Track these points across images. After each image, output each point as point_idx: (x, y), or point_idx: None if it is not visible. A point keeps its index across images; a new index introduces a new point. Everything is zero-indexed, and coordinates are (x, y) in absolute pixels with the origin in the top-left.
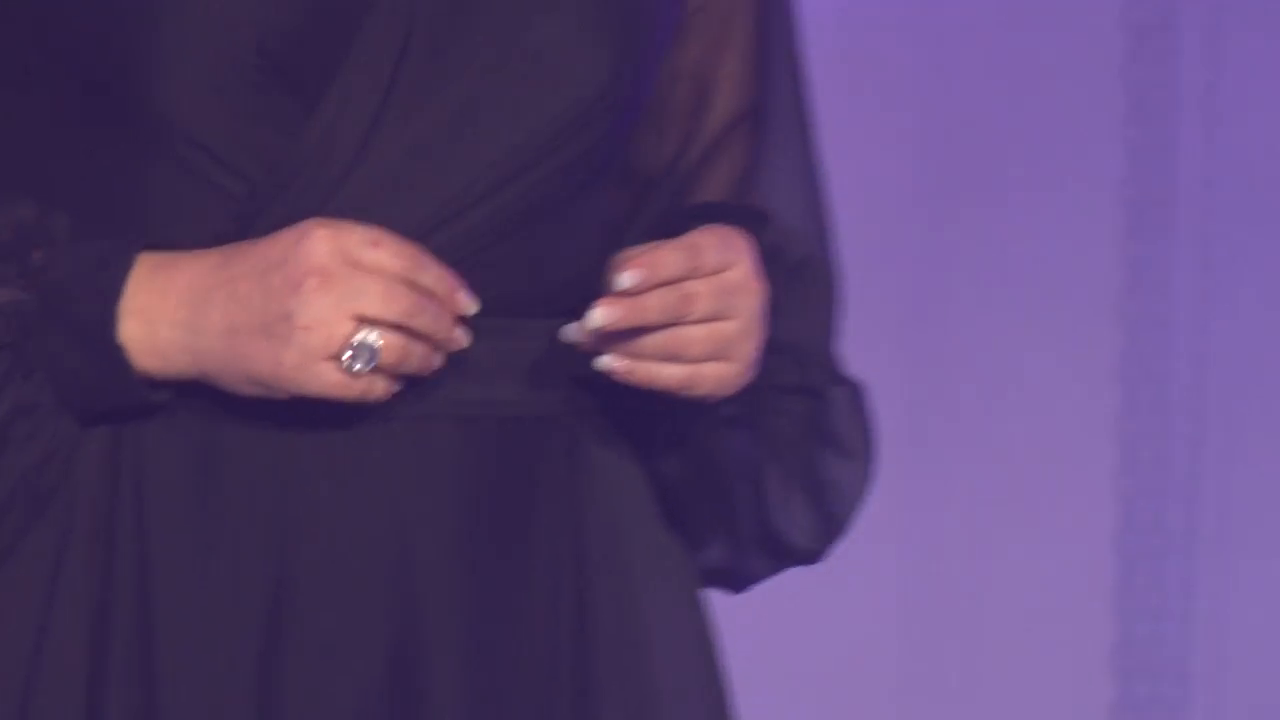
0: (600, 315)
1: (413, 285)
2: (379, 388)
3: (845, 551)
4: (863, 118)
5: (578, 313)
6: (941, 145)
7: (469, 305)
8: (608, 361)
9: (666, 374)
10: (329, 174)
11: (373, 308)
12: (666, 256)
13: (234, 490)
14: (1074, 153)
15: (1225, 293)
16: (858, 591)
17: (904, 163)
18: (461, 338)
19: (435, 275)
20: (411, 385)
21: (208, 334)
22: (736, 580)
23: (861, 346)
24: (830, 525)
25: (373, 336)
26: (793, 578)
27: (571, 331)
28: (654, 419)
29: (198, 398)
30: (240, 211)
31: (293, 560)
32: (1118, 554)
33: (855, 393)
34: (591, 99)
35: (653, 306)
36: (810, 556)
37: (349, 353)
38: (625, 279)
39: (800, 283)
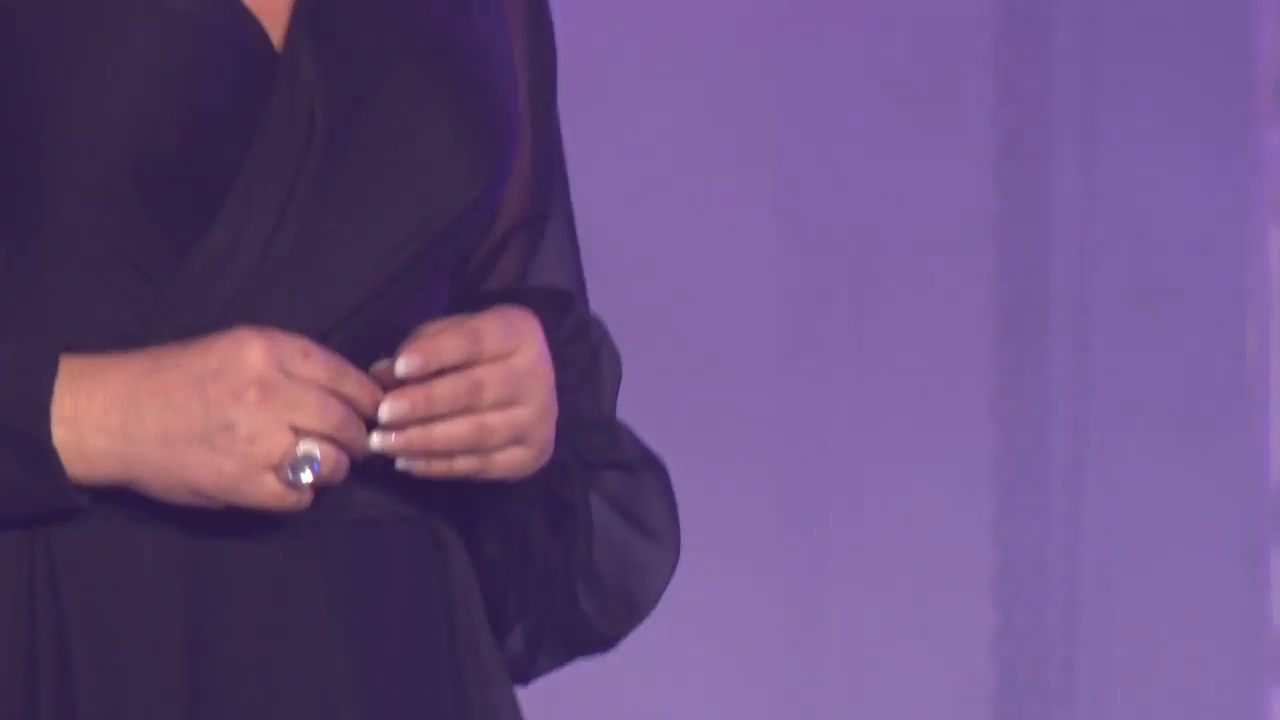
0: (388, 410)
1: (338, 395)
2: (307, 498)
3: (718, 662)
4: (740, 220)
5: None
6: (813, 246)
7: (385, 412)
8: (404, 463)
9: (461, 464)
10: (233, 277)
11: (309, 419)
12: (446, 342)
13: (150, 591)
14: (946, 254)
15: (1100, 394)
16: (732, 698)
17: (775, 259)
18: (371, 446)
19: (357, 383)
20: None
21: (141, 442)
22: (525, 672)
23: (736, 451)
24: (633, 610)
25: (314, 448)
26: (667, 690)
27: (377, 440)
28: (474, 502)
29: (111, 501)
30: (145, 314)
31: (210, 659)
32: (996, 658)
33: (661, 474)
34: (468, 208)
35: (441, 397)
36: (607, 643)
37: (292, 464)
38: (401, 365)
39: (599, 359)
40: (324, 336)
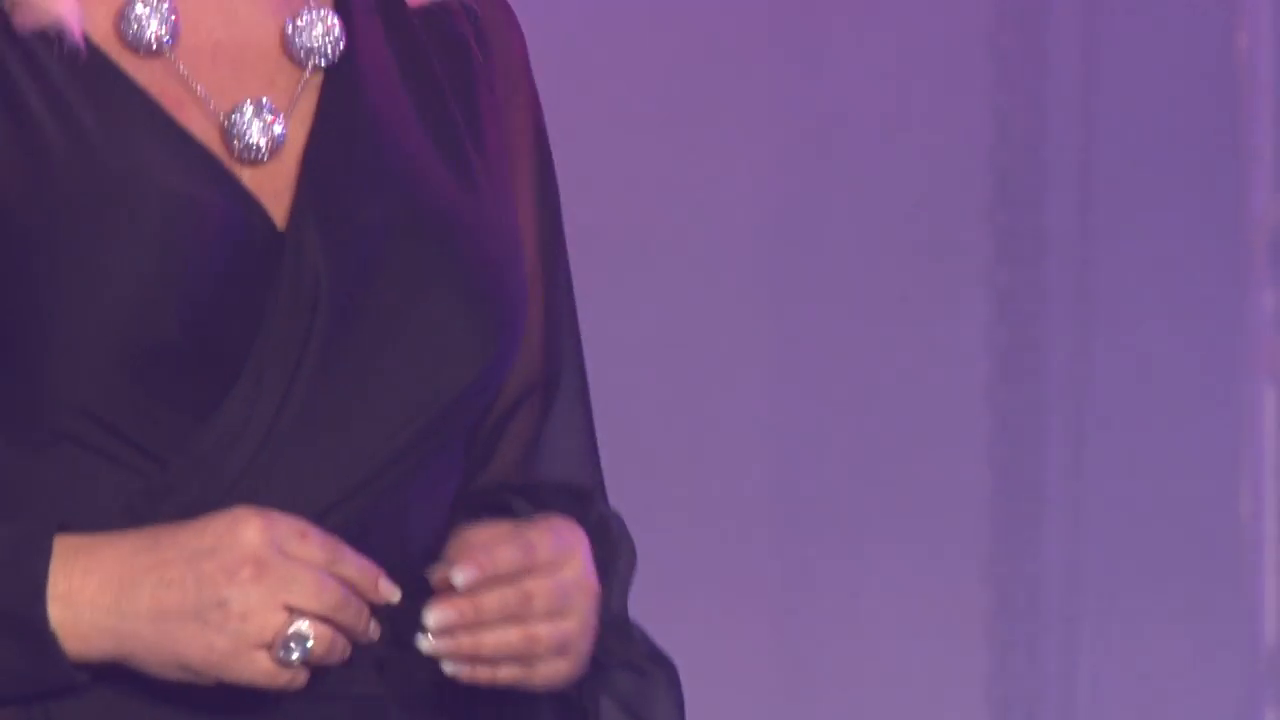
0: (435, 617)
1: (337, 577)
2: (301, 677)
3: None
4: (733, 405)
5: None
6: (808, 412)
7: (392, 594)
8: (451, 668)
9: (505, 672)
10: (240, 456)
11: (304, 599)
12: (502, 554)
13: None
14: (940, 419)
15: (1095, 558)
16: None
17: (768, 442)
18: (374, 631)
19: (356, 566)
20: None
21: (135, 618)
22: None
23: (731, 650)
24: None
25: (306, 627)
26: None
27: (425, 644)
28: (481, 698)
29: (109, 676)
30: (150, 488)
31: None
32: None
33: (670, 672)
34: (472, 384)
35: (491, 607)
36: None
37: (283, 642)
38: (458, 576)
39: (619, 556)
40: (328, 511)
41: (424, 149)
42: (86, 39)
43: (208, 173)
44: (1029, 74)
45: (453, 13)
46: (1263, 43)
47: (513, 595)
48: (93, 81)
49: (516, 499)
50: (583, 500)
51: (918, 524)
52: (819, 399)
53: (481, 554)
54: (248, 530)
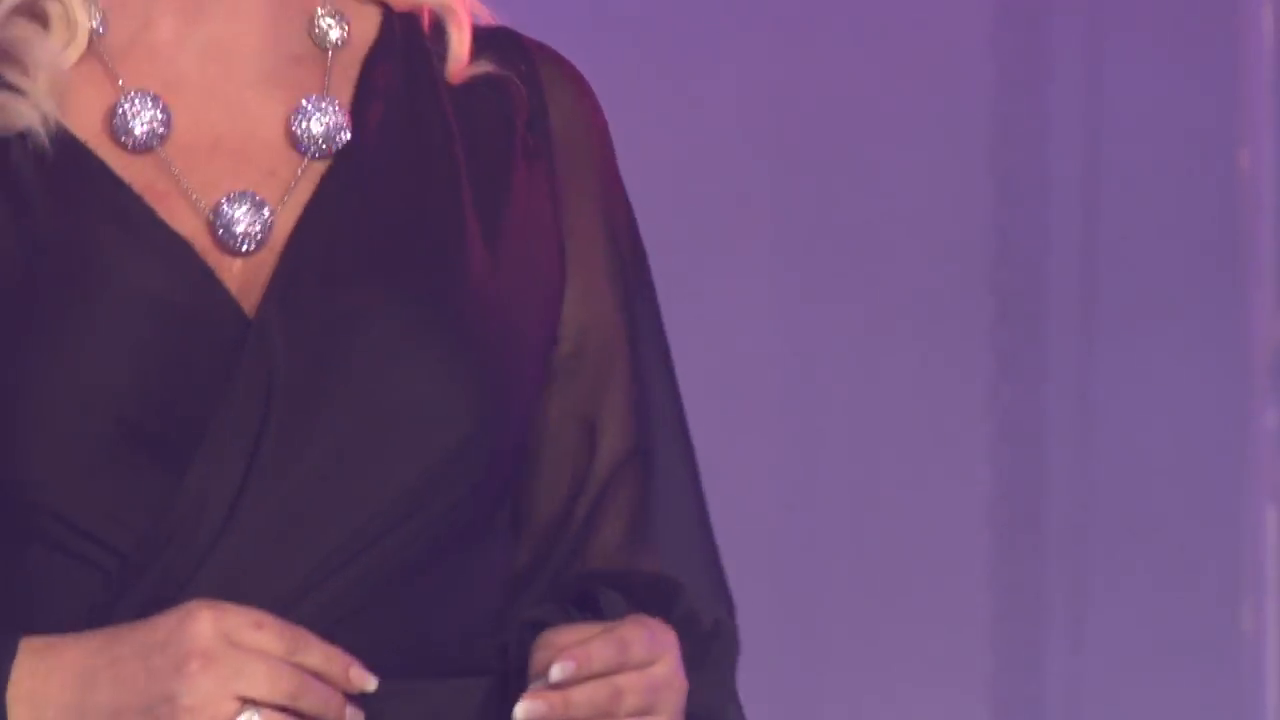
0: (524, 709)
1: (298, 666)
2: None
3: None
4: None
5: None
6: (808, 500)
7: (365, 682)
8: None
9: None
10: (198, 543)
11: (257, 689)
12: (598, 651)
13: None
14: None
15: (1096, 666)
16: None
17: (774, 509)
18: (354, 717)
19: (323, 655)
20: None
21: (95, 715)
22: None
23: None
24: None
25: (256, 718)
26: None
27: None
28: None
29: None
30: (111, 582)
31: None
32: None
33: None
34: (454, 451)
35: (582, 702)
36: None
37: None
38: (555, 671)
39: (710, 650)
40: (305, 595)
41: (419, 236)
42: (72, 136)
43: (181, 266)
44: (1030, 194)
45: (503, 89)
46: (1264, 161)
47: (604, 690)
48: (72, 179)
49: (606, 592)
50: (673, 594)
51: (918, 644)
52: (812, 505)
53: (579, 650)
54: (198, 623)
